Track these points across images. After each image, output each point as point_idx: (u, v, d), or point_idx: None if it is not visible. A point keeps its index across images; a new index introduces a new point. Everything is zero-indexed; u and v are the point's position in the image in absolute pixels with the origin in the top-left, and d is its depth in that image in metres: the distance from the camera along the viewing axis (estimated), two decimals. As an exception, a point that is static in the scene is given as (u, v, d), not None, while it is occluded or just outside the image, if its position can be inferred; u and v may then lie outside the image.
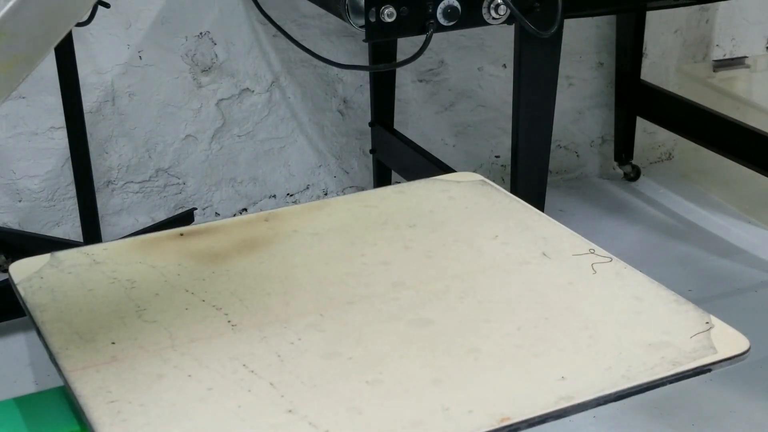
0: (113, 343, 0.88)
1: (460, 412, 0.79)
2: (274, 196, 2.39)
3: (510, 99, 2.22)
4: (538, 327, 0.90)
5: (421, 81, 2.43)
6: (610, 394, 0.81)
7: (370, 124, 2.31)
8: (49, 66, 1.91)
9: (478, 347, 0.87)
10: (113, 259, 1.03)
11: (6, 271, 1.00)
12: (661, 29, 2.64)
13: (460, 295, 0.96)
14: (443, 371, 0.84)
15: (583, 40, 2.56)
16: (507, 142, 2.43)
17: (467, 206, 1.15)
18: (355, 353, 0.87)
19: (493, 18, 1.64)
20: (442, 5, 1.60)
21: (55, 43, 0.72)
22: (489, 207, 1.15)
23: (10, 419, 0.84)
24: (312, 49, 1.99)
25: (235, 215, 2.25)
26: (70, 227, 2.20)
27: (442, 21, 1.61)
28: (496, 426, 0.77)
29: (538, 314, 0.92)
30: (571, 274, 1.00)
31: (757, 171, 2.16)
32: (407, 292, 0.97)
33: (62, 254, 1.03)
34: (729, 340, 0.87)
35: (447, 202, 1.16)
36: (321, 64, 2.21)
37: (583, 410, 0.80)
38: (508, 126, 1.95)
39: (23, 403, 0.86)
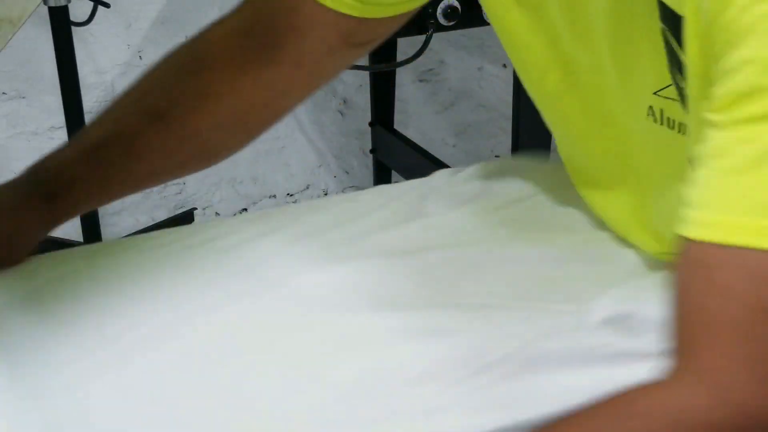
0: (113, 343, 0.88)
1: (460, 412, 0.78)
2: (274, 196, 2.39)
3: (510, 99, 2.22)
4: (538, 327, 0.90)
5: (421, 81, 2.43)
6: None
7: (370, 124, 2.31)
8: (49, 66, 1.90)
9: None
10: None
11: (6, 270, 1.00)
12: (661, 29, 2.64)
13: (460, 295, 0.95)
14: (443, 371, 0.84)
15: (583, 40, 2.56)
16: (507, 142, 2.43)
17: (467, 206, 1.15)
18: (355, 353, 0.86)
19: (493, 18, 1.64)
20: (442, 5, 1.60)
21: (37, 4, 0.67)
22: (489, 207, 1.14)
23: (10, 419, 0.83)
24: (312, 49, 1.98)
25: (235, 215, 2.25)
26: (70, 227, 2.19)
27: (442, 21, 1.61)
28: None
29: (538, 314, 0.92)
30: (571, 274, 0.99)
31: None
32: (407, 292, 0.96)
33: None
34: (729, 340, 0.87)
35: (447, 202, 1.16)
36: (321, 64, 2.21)
37: (582, 410, 0.80)
38: (508, 126, 1.95)
39: (23, 403, 0.85)
